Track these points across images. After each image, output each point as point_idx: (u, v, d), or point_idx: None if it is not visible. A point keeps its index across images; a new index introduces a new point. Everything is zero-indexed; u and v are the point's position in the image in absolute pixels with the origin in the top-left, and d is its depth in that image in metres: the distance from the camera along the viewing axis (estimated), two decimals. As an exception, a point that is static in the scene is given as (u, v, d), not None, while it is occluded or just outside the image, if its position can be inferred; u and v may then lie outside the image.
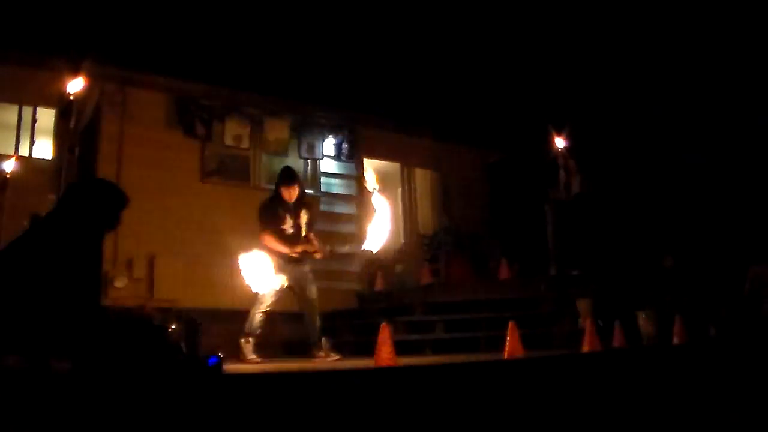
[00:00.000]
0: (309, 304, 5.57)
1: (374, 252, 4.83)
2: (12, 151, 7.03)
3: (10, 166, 5.94)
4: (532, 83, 10.63)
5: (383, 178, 10.87)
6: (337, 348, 5.67)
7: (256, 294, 5.31)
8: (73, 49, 5.38)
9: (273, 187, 5.92)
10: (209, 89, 8.10)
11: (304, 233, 5.63)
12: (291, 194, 5.61)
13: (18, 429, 2.36)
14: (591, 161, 7.78)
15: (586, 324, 5.52)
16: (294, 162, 8.76)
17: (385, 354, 4.45)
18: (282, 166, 6.49)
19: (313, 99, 8.88)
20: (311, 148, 8.82)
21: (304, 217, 5.65)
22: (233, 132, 8.19)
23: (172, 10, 8.63)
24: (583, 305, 6.20)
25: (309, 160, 8.91)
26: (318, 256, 5.59)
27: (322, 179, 9.03)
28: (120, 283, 6.95)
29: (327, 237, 6.71)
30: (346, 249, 5.59)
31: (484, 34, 10.88)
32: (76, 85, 5.20)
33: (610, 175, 8.25)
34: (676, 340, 5.98)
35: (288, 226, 5.56)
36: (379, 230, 4.78)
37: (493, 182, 10.54)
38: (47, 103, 7.17)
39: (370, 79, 9.80)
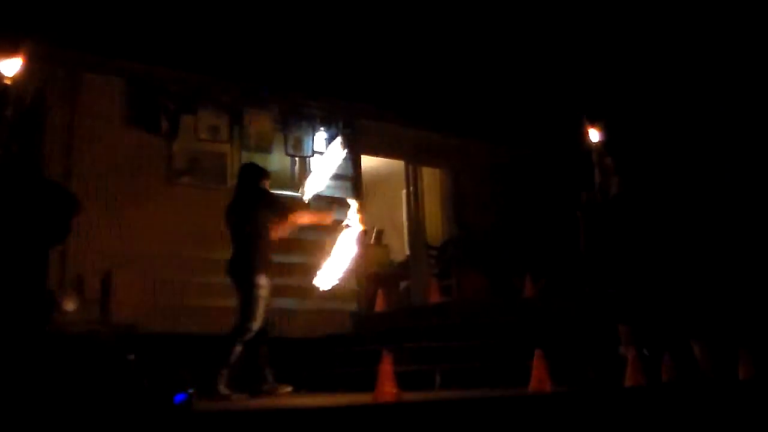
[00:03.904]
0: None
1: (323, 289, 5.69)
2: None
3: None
4: (560, 65, 10.57)
5: (384, 179, 10.94)
6: (328, 382, 5.66)
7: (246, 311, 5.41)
8: (12, 26, 5.38)
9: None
10: (178, 75, 8.09)
11: None
12: None
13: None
14: (632, 158, 7.76)
15: (629, 353, 5.49)
16: (280, 160, 8.76)
17: (386, 388, 4.43)
18: (265, 165, 6.56)
19: (301, 86, 8.86)
20: (299, 144, 8.81)
21: None
22: (207, 125, 8.18)
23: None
24: (624, 330, 6.16)
25: (297, 158, 8.90)
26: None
27: (313, 180, 9.01)
28: (69, 305, 6.89)
29: (318, 246, 6.72)
30: None
31: (501, 13, 10.85)
32: (12, 67, 5.18)
33: (654, 174, 8.21)
34: (741, 374, 5.92)
35: None
36: (336, 267, 5.29)
37: (515, 183, 10.51)
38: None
39: (368, 63, 9.76)
